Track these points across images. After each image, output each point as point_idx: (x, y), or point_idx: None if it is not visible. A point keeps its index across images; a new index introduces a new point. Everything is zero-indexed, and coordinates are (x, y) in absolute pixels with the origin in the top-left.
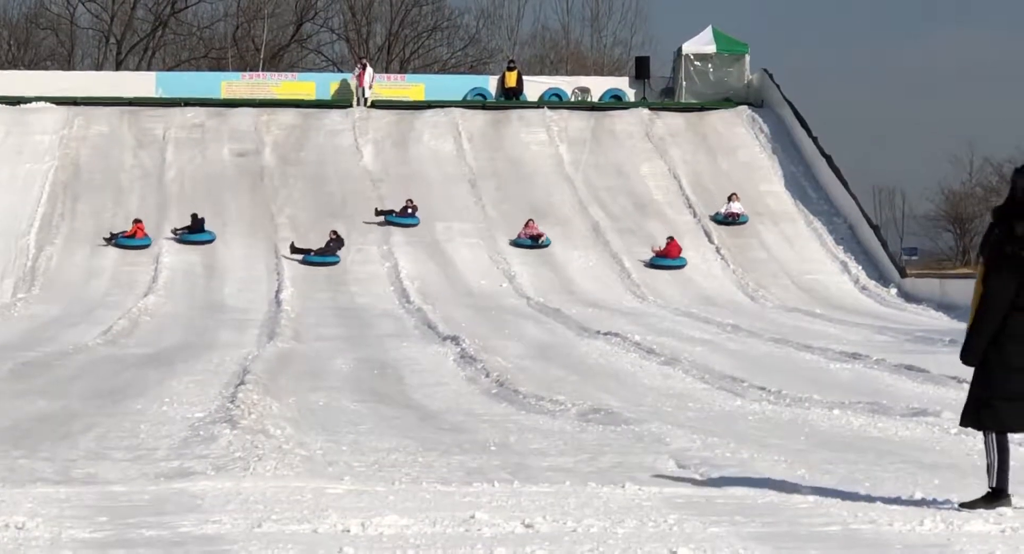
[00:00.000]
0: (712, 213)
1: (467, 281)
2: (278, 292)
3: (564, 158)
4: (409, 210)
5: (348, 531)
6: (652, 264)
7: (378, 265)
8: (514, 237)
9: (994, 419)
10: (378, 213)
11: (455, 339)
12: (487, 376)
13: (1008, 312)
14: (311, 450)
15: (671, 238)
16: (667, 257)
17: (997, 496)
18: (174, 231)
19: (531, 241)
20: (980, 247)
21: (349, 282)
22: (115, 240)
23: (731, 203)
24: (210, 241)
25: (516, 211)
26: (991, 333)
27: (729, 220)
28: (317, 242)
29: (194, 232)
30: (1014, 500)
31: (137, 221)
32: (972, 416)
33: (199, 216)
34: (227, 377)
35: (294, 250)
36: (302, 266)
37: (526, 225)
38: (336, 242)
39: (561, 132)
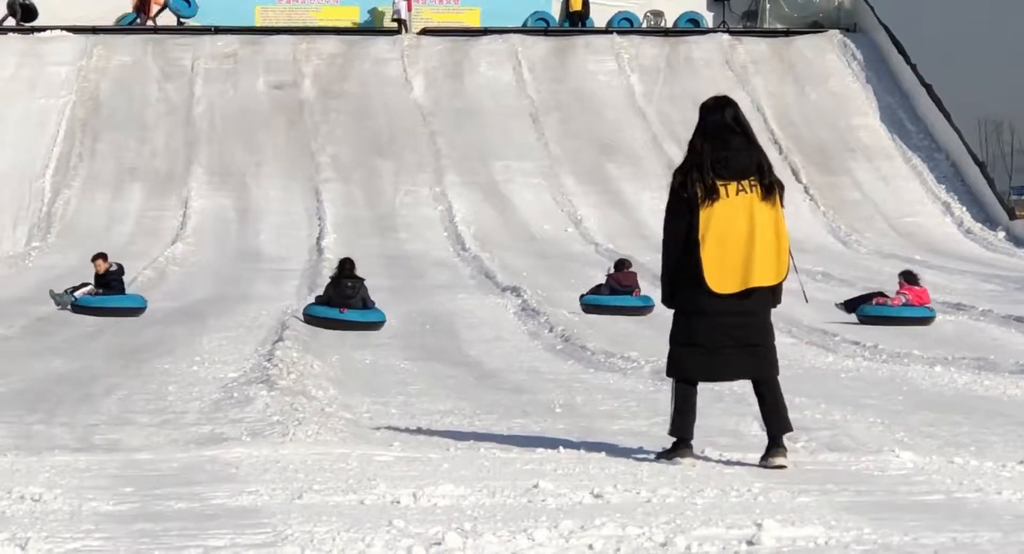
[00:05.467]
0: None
1: (528, 226)
2: (319, 239)
3: (635, 89)
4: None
5: (398, 502)
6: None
7: (430, 208)
8: (582, 177)
9: (671, 366)
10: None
11: (515, 290)
12: (551, 331)
13: (683, 255)
14: (357, 413)
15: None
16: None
17: (675, 447)
18: (62, 296)
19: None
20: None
21: (398, 227)
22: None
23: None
24: (139, 308)
25: (582, 148)
26: (672, 275)
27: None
28: (360, 183)
29: (104, 290)
30: (709, 450)
31: None
32: (668, 364)
33: (109, 264)
34: (263, 333)
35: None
36: (347, 208)
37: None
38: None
39: (632, 61)
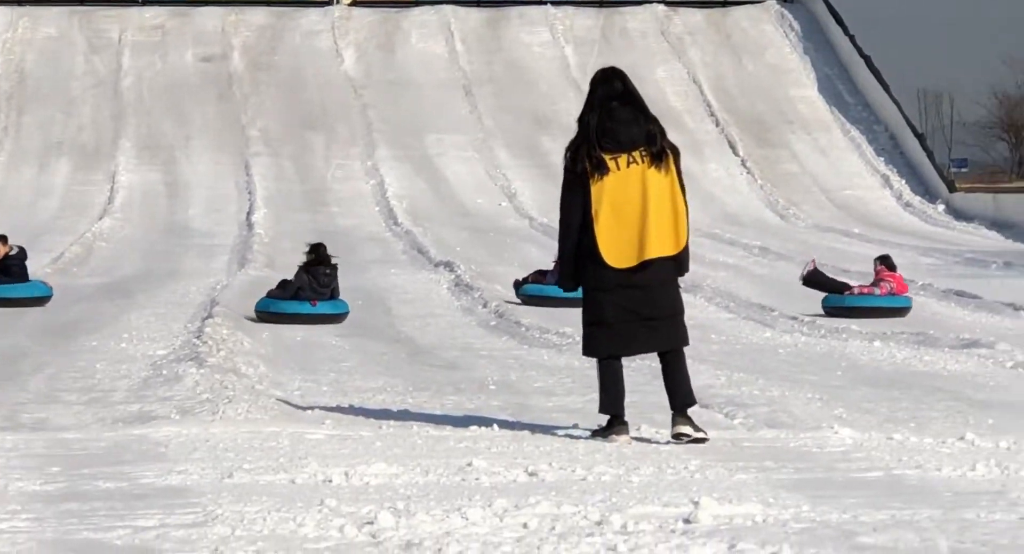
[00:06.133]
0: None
1: (462, 200)
2: (249, 213)
3: (570, 61)
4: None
5: (330, 481)
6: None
7: (362, 182)
8: (516, 150)
9: (590, 345)
10: None
11: (449, 265)
12: (485, 306)
13: (582, 231)
14: (287, 391)
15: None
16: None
17: (610, 425)
18: None
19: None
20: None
21: (329, 202)
22: None
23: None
24: (43, 297)
25: (516, 121)
26: (572, 254)
27: None
28: (291, 157)
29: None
30: (645, 428)
31: None
32: (583, 344)
33: (9, 247)
34: (193, 309)
35: None
36: (277, 182)
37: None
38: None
39: (566, 32)
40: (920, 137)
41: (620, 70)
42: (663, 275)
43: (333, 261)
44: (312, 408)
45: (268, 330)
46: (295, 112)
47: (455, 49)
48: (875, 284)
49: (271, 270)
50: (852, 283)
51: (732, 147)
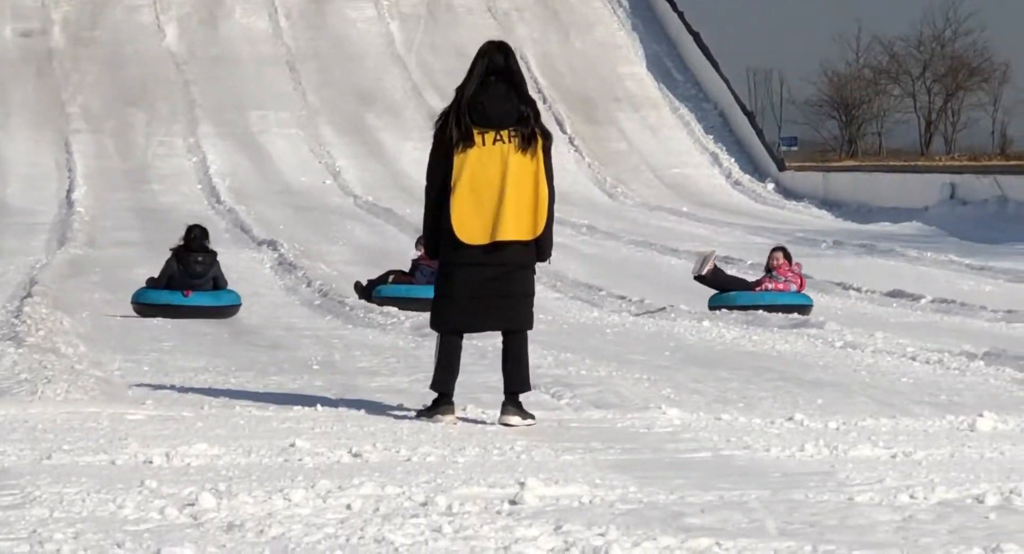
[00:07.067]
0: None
1: (285, 177)
2: (70, 191)
3: (395, 37)
4: None
5: (151, 462)
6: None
7: (183, 159)
8: (341, 127)
9: (436, 318)
10: None
11: (272, 243)
12: (309, 285)
13: (442, 203)
14: (108, 371)
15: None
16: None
17: (436, 405)
18: None
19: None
20: None
21: (151, 179)
22: None
23: None
24: None
25: (341, 98)
26: (432, 224)
27: None
28: (112, 134)
29: None
30: (471, 408)
31: None
32: (430, 317)
33: None
34: (11, 289)
35: None
36: (98, 160)
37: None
38: None
39: (392, 7)
40: (749, 115)
41: (506, 45)
42: (519, 259)
43: (211, 247)
44: (133, 388)
45: (89, 310)
46: (116, 88)
47: (279, 24)
48: (772, 278)
49: (91, 249)
50: (749, 278)
51: (560, 125)
